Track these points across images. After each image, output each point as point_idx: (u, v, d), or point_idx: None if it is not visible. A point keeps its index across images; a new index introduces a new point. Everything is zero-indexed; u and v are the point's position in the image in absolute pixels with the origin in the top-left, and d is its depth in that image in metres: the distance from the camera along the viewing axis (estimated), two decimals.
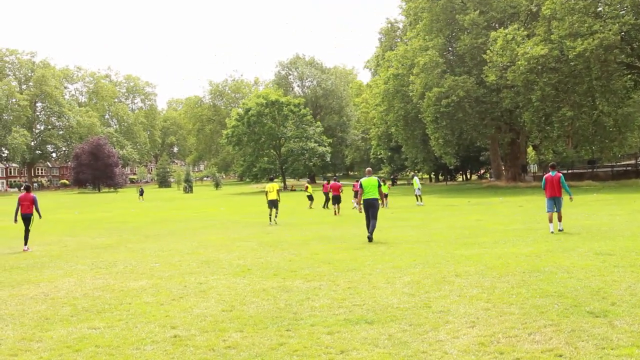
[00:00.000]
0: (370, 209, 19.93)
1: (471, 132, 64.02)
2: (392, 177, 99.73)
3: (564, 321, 8.44)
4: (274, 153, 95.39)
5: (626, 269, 12.18)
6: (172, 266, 15.69)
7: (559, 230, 19.74)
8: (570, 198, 21.11)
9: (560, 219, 20.12)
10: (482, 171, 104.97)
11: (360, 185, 19.98)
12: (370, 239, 19.57)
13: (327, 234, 23.12)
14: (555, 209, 20.10)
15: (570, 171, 70.40)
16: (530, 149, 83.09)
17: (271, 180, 30.92)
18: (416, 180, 44.22)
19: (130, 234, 27.10)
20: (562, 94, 54.22)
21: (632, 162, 75.62)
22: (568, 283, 11.04)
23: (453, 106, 57.89)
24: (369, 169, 21.31)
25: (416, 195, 43.57)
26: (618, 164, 71.34)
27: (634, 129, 62.52)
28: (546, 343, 7.49)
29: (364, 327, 8.69)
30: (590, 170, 69.62)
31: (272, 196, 29.29)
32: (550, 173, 20.68)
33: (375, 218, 19.90)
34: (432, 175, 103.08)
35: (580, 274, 11.91)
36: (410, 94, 63.17)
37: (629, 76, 57.38)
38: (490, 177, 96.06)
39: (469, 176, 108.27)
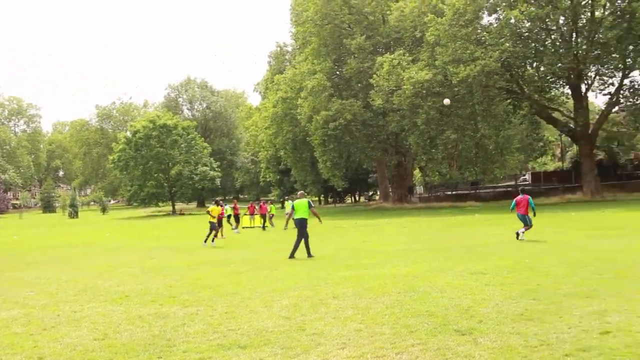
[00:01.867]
0: (301, 227, 21.44)
1: (359, 155, 65.01)
2: (281, 199, 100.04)
3: (432, 340, 8.67)
4: (162, 177, 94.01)
5: (496, 287, 12.62)
6: (47, 294, 15.19)
7: (520, 239, 22.92)
8: (534, 214, 23.79)
9: (526, 230, 23.39)
10: (370, 193, 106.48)
11: (292, 207, 21.83)
12: (292, 256, 21.29)
13: (214, 258, 22.92)
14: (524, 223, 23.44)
15: (454, 192, 72.37)
16: (416, 171, 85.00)
17: (216, 203, 32.55)
18: (289, 204, 44.51)
19: (9, 261, 26.06)
20: (446, 118, 55.78)
21: (512, 183, 78.45)
22: (440, 302, 11.34)
23: (340, 129, 58.68)
24: (302, 192, 24.69)
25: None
26: (499, 184, 73.82)
27: (513, 151, 65.16)
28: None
29: (236, 352, 8.68)
30: (473, 191, 71.74)
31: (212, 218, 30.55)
32: (520, 195, 23.85)
33: (306, 235, 21.44)
34: (321, 197, 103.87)
35: (452, 293, 12.27)
36: (299, 117, 63.65)
37: (509, 101, 59.70)
38: (367, 200, 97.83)
39: (357, 198, 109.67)
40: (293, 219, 21.68)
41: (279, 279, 15.90)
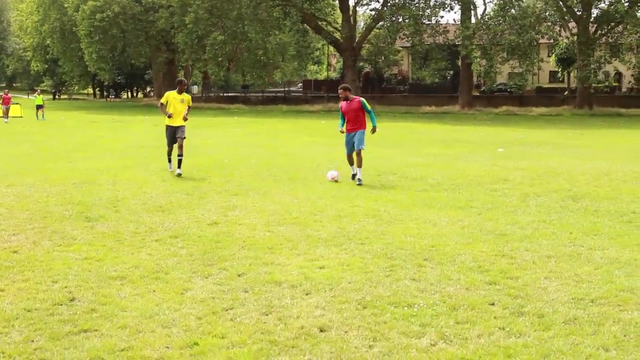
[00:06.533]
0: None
1: (130, 50, 63.87)
2: (53, 91, 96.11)
3: (55, 224, 9.30)
4: None
5: (168, 182, 13.48)
6: None
7: (358, 182, 13.82)
8: (373, 129, 14.43)
9: (360, 164, 14.11)
10: (148, 89, 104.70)
11: None
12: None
13: None
14: (354, 148, 14.26)
15: (224, 94, 73.11)
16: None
17: (180, 88, 15.36)
18: (39, 97, 44.10)
19: None
20: (215, 19, 55.99)
21: (285, 89, 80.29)
22: (101, 194, 11.99)
23: (108, 21, 57.22)
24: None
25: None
26: (268, 90, 75.07)
27: (289, 58, 66.84)
28: (16, 242, 8.31)
29: None
30: (242, 94, 72.78)
31: (175, 118, 15.23)
32: (345, 100, 14.47)
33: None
34: (96, 92, 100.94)
35: (124, 185, 12.98)
36: (66, 5, 61.15)
37: (279, 8, 60.59)
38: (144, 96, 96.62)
39: (135, 94, 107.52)
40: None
41: None
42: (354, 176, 14.27)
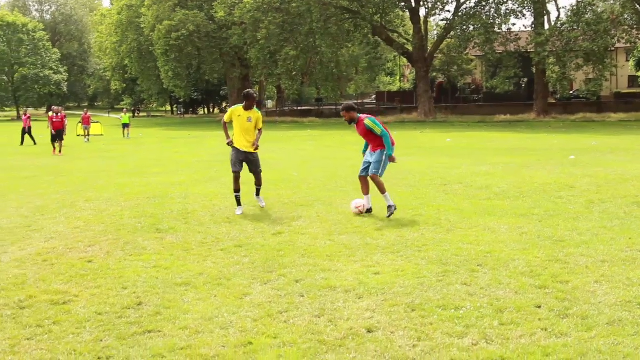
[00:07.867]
0: None
1: (203, 67, 65.48)
2: (133, 109, 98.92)
3: (128, 236, 9.82)
4: (6, 80, 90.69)
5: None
6: None
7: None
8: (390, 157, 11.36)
9: (381, 190, 11.33)
10: (224, 105, 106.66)
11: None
12: None
13: (5, 165, 23.36)
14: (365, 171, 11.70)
15: (298, 108, 74.05)
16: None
17: (248, 104, 11.75)
18: (125, 116, 45.07)
19: None
20: (287, 34, 56.95)
21: (357, 101, 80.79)
22: (172, 207, 12.46)
23: (183, 40, 58.80)
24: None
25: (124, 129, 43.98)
26: (341, 102, 75.69)
27: (361, 70, 67.40)
28: (91, 253, 8.85)
29: None
30: (316, 107, 73.62)
31: (243, 140, 11.92)
32: (350, 122, 11.62)
33: None
34: (174, 109, 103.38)
35: (194, 199, 13.45)
36: (143, 26, 63.15)
37: (350, 21, 61.14)
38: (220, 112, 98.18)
39: (212, 110, 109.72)
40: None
41: (57, 184, 16.73)
42: (369, 210, 11.44)
